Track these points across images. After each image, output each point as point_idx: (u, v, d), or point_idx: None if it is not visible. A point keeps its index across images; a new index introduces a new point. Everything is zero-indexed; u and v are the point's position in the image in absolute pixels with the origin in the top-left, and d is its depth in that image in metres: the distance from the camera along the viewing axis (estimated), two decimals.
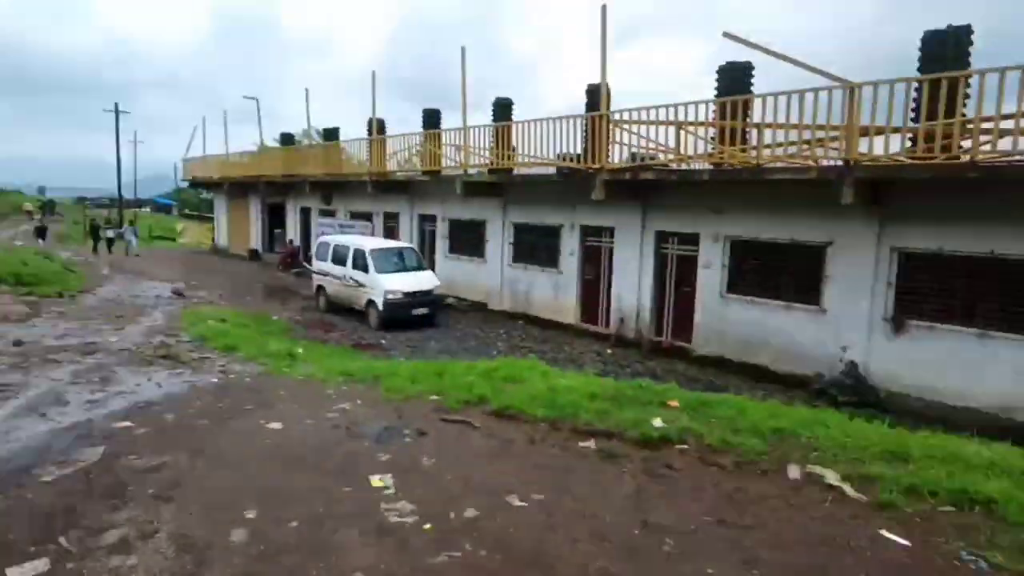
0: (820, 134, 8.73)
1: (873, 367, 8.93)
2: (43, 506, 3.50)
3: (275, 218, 25.96)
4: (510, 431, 4.73)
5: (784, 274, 10.17)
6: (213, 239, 31.55)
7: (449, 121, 16.75)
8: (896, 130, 7.97)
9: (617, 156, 11.78)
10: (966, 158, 7.29)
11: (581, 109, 12.86)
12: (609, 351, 12.28)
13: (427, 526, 3.22)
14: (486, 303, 16.10)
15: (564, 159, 12.47)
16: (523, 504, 3.48)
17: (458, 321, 14.78)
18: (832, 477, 3.72)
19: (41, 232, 24.56)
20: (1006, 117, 6.98)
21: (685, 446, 4.31)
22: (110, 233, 27.18)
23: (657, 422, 4.72)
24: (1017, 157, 6.99)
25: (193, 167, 29.83)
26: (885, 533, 3.09)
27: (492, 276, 16.00)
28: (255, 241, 27.10)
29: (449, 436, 4.67)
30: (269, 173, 23.41)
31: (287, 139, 26.81)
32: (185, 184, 33.86)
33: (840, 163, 8.40)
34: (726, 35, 8.98)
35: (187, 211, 48.06)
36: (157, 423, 5.04)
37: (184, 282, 17.74)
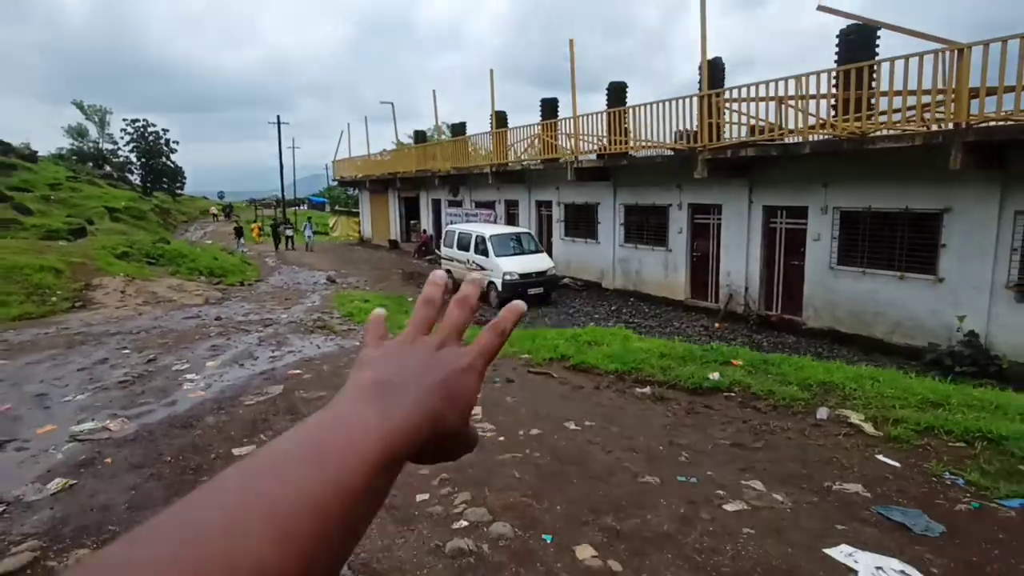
0: (926, 99, 8.39)
1: (995, 337, 8.47)
2: (248, 417, 5.10)
3: (410, 210, 28.62)
4: (581, 380, 5.64)
5: (897, 244, 9.81)
6: (359, 232, 35.36)
7: (569, 104, 17.04)
8: (1015, 88, 7.48)
9: (733, 133, 11.79)
10: None
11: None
12: (717, 325, 12.50)
13: (501, 438, 4.27)
14: (600, 282, 16.84)
15: (681, 137, 12.69)
16: (577, 428, 4.39)
17: (572, 299, 15.68)
18: (856, 417, 4.17)
19: (239, 232, 28.71)
20: None
21: (731, 393, 4.93)
22: (288, 231, 31.42)
23: (714, 375, 5.34)
24: None
25: (340, 167, 33.63)
26: (880, 457, 3.58)
27: (604, 256, 16.67)
28: (394, 232, 30.06)
29: (531, 383, 5.69)
30: (403, 169, 25.90)
31: (420, 137, 29.32)
32: (335, 183, 38.16)
33: (949, 127, 8.06)
34: (820, 8, 8.87)
35: (337, 207, 53.90)
36: (317, 371, 6.65)
37: (335, 271, 20.56)
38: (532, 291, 15.14)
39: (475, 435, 0.43)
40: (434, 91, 24.67)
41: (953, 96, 7.89)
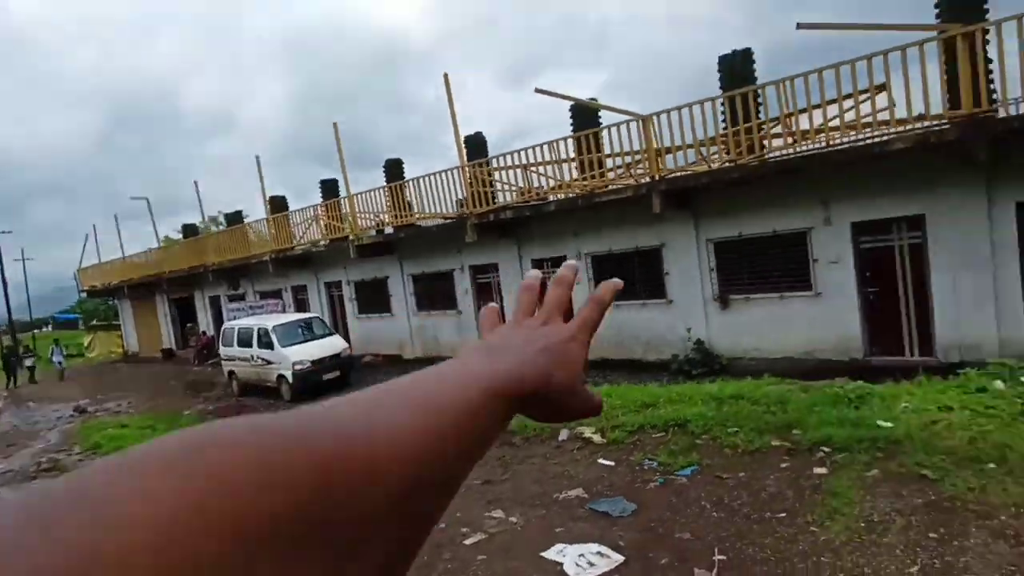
0: (629, 159, 10.29)
1: (713, 340, 10.29)
2: None
3: (185, 312, 25.75)
4: None
5: (637, 276, 11.50)
6: (123, 346, 30.66)
7: (360, 180, 17.12)
8: (682, 147, 9.55)
9: (502, 198, 12.80)
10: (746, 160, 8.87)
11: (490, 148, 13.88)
12: None
13: None
14: (400, 354, 16.74)
15: (462, 204, 13.42)
16: None
17: (374, 376, 15.26)
18: (589, 432, 4.73)
19: None
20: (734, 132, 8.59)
21: None
22: (28, 361, 25.80)
23: None
24: (774, 155, 8.65)
25: (88, 276, 29.10)
26: (601, 460, 4.10)
27: (400, 328, 16.70)
28: (167, 340, 26.66)
29: None
30: (171, 268, 23.40)
31: (190, 231, 26.74)
32: (85, 295, 32.90)
33: (648, 180, 9.91)
34: (538, 91, 10.42)
35: (94, 322, 46.21)
36: None
37: (90, 397, 17.43)
38: (328, 376, 14.47)
39: (594, 398, 0.45)
40: (196, 182, 23.13)
41: (646, 155, 9.76)
